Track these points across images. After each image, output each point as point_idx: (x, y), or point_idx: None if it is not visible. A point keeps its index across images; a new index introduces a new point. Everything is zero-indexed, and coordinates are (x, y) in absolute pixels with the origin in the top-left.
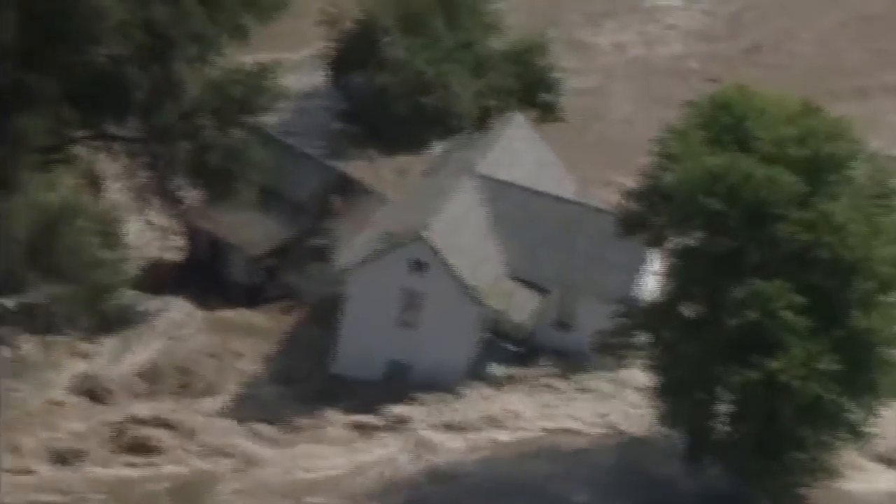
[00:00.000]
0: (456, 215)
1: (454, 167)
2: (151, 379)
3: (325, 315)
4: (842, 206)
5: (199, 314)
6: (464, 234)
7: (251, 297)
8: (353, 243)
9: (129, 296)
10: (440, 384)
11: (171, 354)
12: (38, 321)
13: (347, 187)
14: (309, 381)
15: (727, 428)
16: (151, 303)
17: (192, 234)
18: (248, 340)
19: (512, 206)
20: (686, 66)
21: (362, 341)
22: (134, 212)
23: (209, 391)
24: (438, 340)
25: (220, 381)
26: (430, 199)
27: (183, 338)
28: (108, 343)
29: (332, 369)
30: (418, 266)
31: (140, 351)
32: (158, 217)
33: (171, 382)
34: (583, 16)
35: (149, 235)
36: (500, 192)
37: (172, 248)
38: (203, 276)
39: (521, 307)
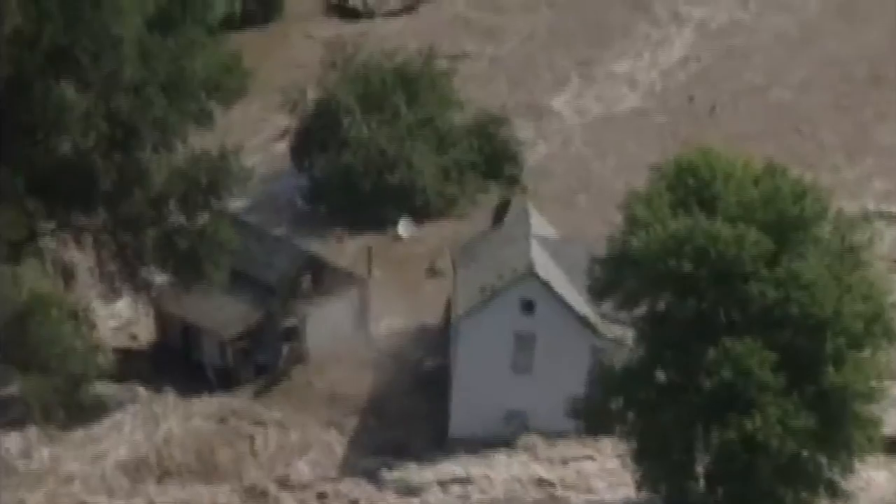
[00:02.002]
0: (541, 262)
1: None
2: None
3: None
4: (810, 265)
5: (178, 401)
6: (553, 278)
7: (225, 380)
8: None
9: (102, 386)
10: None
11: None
12: (15, 413)
13: (316, 267)
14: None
15: (706, 489)
16: (126, 392)
17: (164, 319)
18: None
19: (563, 258)
20: (650, 126)
21: (477, 394)
22: (105, 300)
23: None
24: (555, 381)
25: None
26: (508, 256)
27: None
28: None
29: (451, 431)
30: (529, 306)
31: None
32: (129, 304)
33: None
34: (540, 84)
35: (121, 323)
36: (551, 248)
37: (144, 335)
38: (176, 361)
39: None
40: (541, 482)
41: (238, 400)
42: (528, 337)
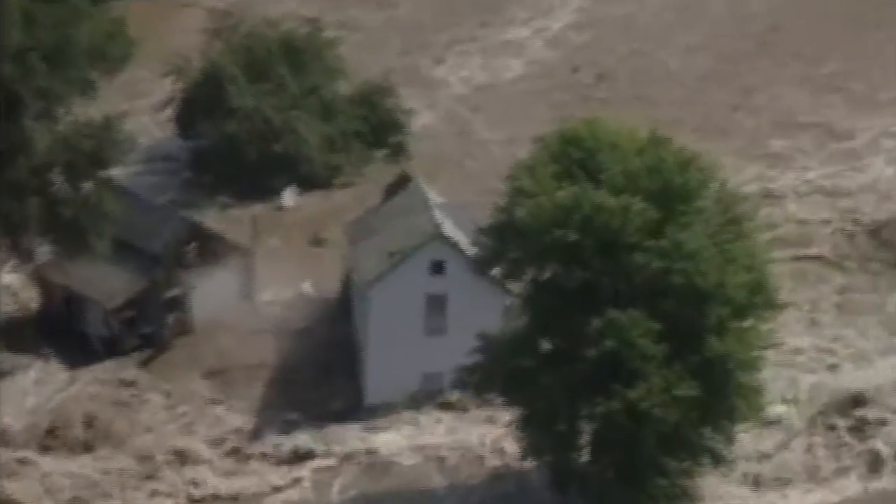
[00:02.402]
0: (447, 225)
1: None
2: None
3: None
4: (694, 234)
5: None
6: (459, 240)
7: (109, 349)
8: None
9: None
10: None
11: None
12: None
13: (201, 236)
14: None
15: (590, 458)
16: (9, 360)
17: (47, 288)
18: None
19: (463, 223)
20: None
21: (392, 359)
22: None
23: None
24: (469, 342)
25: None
26: (412, 223)
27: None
28: None
29: (367, 399)
30: (439, 268)
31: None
32: (12, 273)
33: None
34: (427, 52)
35: (2, 292)
36: (451, 213)
37: (27, 304)
38: (59, 330)
39: None
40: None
41: (126, 369)
42: (439, 298)
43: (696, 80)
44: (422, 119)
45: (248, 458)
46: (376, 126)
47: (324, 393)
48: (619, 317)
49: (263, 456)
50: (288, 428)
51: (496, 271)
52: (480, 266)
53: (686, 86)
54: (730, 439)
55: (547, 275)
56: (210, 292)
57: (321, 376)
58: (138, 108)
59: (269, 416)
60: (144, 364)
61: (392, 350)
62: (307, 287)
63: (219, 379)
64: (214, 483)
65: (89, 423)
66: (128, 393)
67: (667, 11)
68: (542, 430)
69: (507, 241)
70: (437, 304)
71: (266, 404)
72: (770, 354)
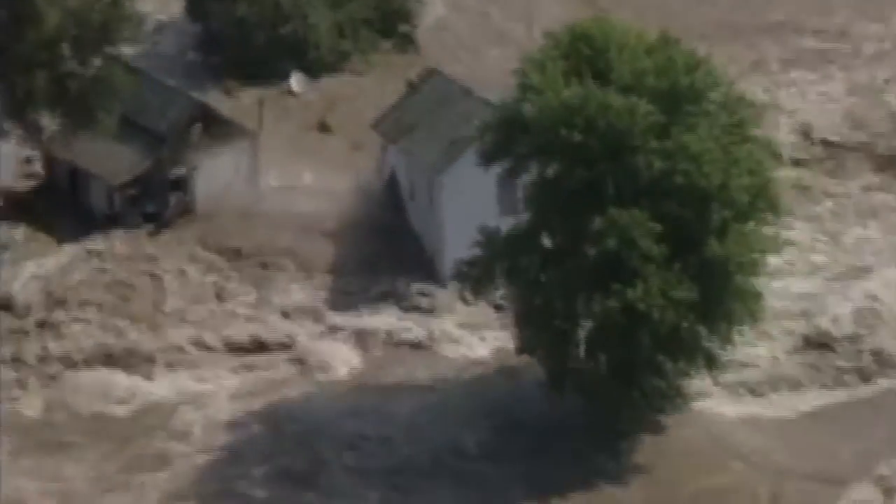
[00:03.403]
0: None
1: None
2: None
3: None
4: (698, 136)
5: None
6: None
7: (113, 227)
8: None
9: None
10: None
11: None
12: None
13: (207, 118)
14: None
15: (585, 355)
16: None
17: (52, 163)
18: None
19: None
20: None
21: (469, 241)
22: None
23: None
24: None
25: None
26: (461, 108)
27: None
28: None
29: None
30: None
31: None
32: (18, 146)
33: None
34: None
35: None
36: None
37: (32, 177)
38: (63, 204)
39: None
40: None
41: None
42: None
43: None
44: (435, 10)
45: None
46: (387, 14)
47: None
48: (621, 216)
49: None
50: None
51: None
52: (485, 159)
53: None
54: (727, 342)
55: (551, 172)
56: (214, 174)
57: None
58: None
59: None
60: (150, 237)
61: (469, 233)
62: (307, 178)
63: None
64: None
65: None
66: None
67: None
68: (539, 326)
69: (512, 136)
70: (508, 184)
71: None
72: None
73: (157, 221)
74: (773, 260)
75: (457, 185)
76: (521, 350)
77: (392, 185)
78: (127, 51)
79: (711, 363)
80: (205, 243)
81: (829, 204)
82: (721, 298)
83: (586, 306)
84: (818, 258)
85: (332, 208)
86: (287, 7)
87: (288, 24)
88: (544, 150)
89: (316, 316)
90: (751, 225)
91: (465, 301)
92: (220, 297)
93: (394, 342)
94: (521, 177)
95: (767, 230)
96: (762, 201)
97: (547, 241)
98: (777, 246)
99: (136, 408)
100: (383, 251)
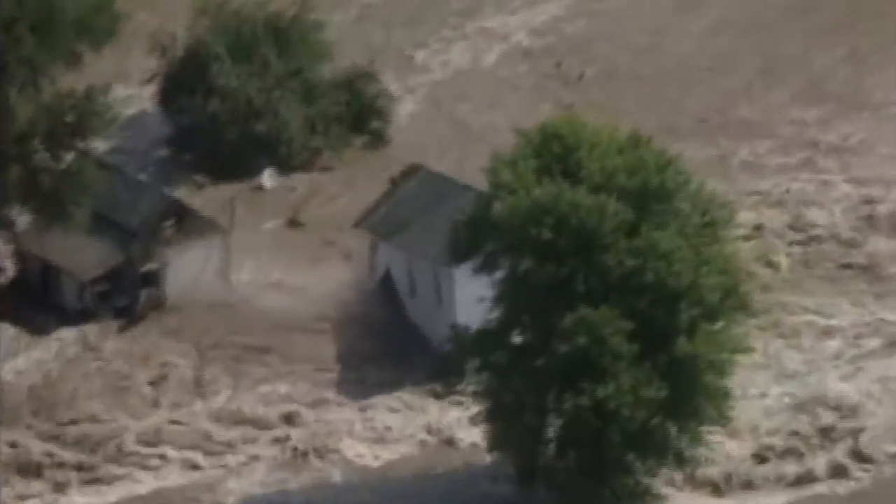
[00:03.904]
0: None
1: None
2: None
3: None
4: (668, 234)
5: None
6: None
7: (83, 322)
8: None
9: None
10: None
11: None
12: None
13: (179, 213)
14: None
15: (556, 453)
16: None
17: (24, 258)
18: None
19: None
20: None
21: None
22: None
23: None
24: None
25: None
26: (459, 202)
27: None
28: None
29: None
30: None
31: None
32: None
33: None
34: (414, 36)
35: None
36: None
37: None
38: (34, 300)
39: None
40: None
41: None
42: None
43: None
44: (405, 105)
45: None
46: (358, 111)
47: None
48: (591, 314)
49: None
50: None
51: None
52: (456, 257)
53: (674, 89)
54: (696, 441)
55: (521, 269)
56: (185, 269)
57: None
58: (123, 81)
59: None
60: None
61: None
62: (279, 274)
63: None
64: None
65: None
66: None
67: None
68: (509, 422)
69: (483, 234)
70: None
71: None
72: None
73: (128, 316)
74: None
75: (465, 276)
76: (491, 446)
77: (387, 282)
78: (99, 145)
79: (681, 462)
80: (177, 337)
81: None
82: (690, 397)
83: (556, 403)
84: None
85: (307, 304)
86: (259, 103)
87: (260, 120)
88: (515, 247)
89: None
90: (721, 324)
91: (436, 397)
92: (197, 390)
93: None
94: (493, 273)
95: (738, 330)
96: (732, 301)
97: (517, 338)
98: (747, 346)
99: None
100: (386, 347)
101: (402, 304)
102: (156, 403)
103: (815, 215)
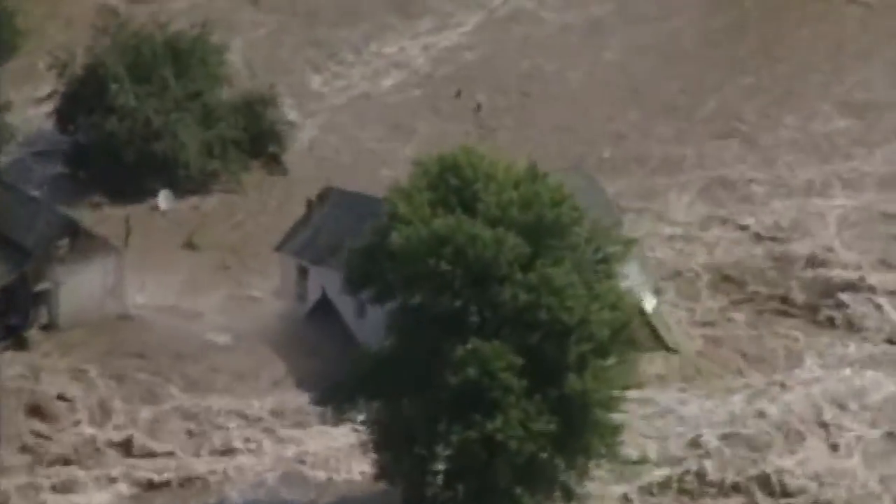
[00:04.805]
0: None
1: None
2: None
3: None
4: (562, 270)
5: None
6: None
7: None
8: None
9: None
10: None
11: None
12: None
13: (73, 232)
14: None
15: (444, 484)
16: None
17: None
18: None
19: None
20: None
21: None
22: None
23: None
24: None
25: None
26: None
27: None
28: None
29: None
30: None
31: None
32: None
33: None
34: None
35: None
36: None
37: None
38: None
39: None
40: None
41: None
42: None
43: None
44: (304, 131)
45: None
46: (256, 135)
47: None
48: (482, 347)
49: None
50: None
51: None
52: (350, 287)
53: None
54: (583, 475)
55: (416, 300)
56: (79, 288)
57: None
58: (22, 99)
59: None
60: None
61: None
62: (173, 296)
63: None
64: None
65: None
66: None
67: (565, 37)
68: (398, 452)
69: (378, 264)
70: None
71: None
72: None
73: (19, 335)
74: None
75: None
76: (379, 476)
77: (324, 306)
78: None
79: (569, 496)
80: (67, 357)
81: None
82: (579, 432)
83: (445, 435)
84: None
85: (201, 326)
86: (157, 125)
87: (157, 142)
88: (410, 278)
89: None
90: (611, 360)
91: (326, 423)
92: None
93: None
94: (388, 303)
95: (627, 366)
96: (623, 337)
97: (410, 368)
98: (637, 382)
99: None
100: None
101: (346, 325)
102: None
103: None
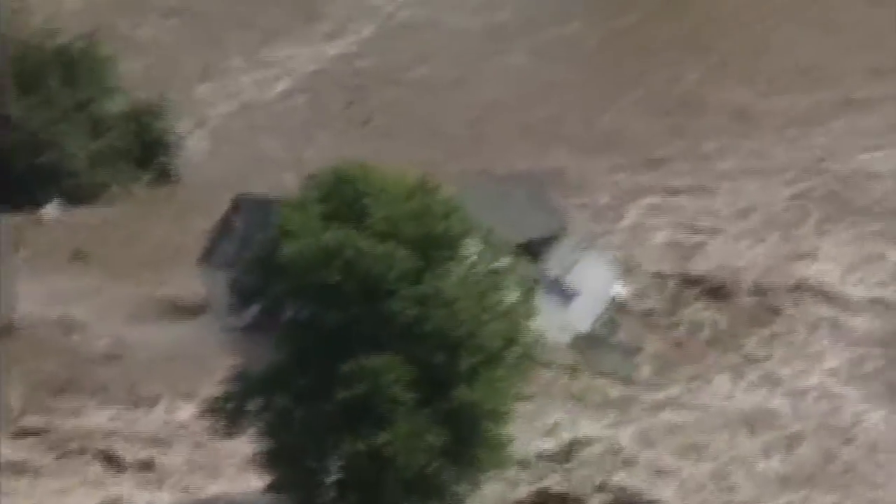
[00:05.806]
0: None
1: None
2: None
3: None
4: (452, 282)
5: None
6: None
7: None
8: None
9: None
10: None
11: None
12: None
13: None
14: None
15: (336, 497)
16: None
17: None
18: None
19: None
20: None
21: None
22: None
23: None
24: None
25: None
26: None
27: None
28: None
29: None
30: None
31: None
32: None
33: None
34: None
35: None
36: None
37: None
38: None
39: None
40: None
41: None
42: None
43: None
44: (197, 141)
45: None
46: (145, 145)
47: None
48: (371, 361)
49: None
50: None
51: (255, 307)
52: (240, 300)
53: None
54: (474, 486)
55: (306, 313)
56: None
57: None
58: None
59: None
60: None
61: None
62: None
63: None
64: None
65: None
66: None
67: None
68: (289, 465)
69: (268, 277)
70: None
71: None
72: None
73: None
74: None
75: None
76: (269, 488)
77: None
78: None
79: None
80: None
81: None
82: (470, 444)
83: (336, 448)
84: None
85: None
86: (45, 135)
87: (45, 152)
88: (300, 291)
89: None
90: (501, 372)
91: (216, 435)
92: None
93: None
94: (277, 317)
95: (518, 378)
96: (515, 348)
97: (301, 381)
98: (527, 395)
99: None
100: None
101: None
102: None
103: None
